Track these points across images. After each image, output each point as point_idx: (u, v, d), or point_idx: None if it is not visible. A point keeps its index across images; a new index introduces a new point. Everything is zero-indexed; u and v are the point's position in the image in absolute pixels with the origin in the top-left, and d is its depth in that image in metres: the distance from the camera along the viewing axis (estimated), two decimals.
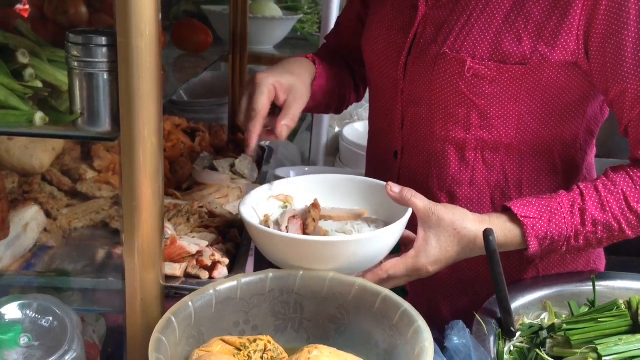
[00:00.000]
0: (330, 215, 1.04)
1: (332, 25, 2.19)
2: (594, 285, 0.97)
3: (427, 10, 1.10)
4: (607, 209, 0.98)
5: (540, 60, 1.01)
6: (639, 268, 1.13)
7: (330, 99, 1.29)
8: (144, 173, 0.80)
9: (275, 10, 2.19)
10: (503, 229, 0.99)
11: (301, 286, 0.93)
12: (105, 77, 0.80)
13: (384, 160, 1.23)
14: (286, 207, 1.08)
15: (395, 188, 0.97)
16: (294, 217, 1.02)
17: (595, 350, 0.78)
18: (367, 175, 1.30)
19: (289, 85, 1.09)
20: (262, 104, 1.05)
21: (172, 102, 1.78)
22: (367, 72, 1.27)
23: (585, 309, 0.95)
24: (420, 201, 0.96)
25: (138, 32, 0.75)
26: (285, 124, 1.06)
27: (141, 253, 0.84)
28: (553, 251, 1.01)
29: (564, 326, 0.85)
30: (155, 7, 0.76)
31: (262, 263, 1.15)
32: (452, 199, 1.14)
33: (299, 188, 1.09)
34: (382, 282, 0.95)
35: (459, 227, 0.96)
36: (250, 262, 1.36)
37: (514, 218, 0.99)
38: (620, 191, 0.99)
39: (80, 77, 0.79)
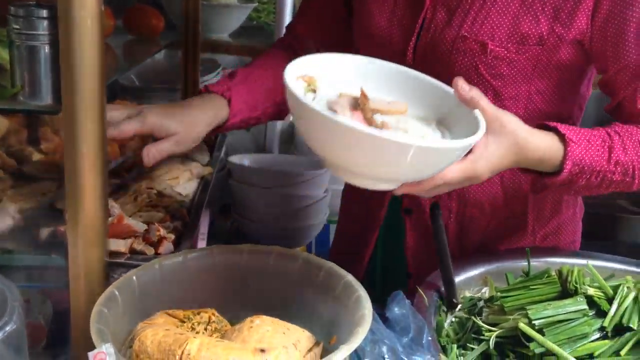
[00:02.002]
0: (377, 109, 0.84)
1: (287, 14, 2.20)
2: (528, 259, 1.01)
3: None
4: (629, 152, 1.01)
5: (557, 41, 1.04)
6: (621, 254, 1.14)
7: (262, 118, 1.26)
8: (87, 147, 0.80)
9: None
10: (549, 146, 0.98)
11: (247, 261, 0.94)
12: (47, 50, 0.80)
13: None
14: (314, 91, 0.87)
15: (465, 86, 0.89)
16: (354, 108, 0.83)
17: (526, 316, 0.81)
18: None
19: (167, 132, 1.08)
20: (123, 126, 1.04)
21: (124, 87, 1.77)
22: None
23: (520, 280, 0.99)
24: (487, 105, 0.90)
25: (79, 4, 0.75)
26: (153, 152, 1.06)
27: (84, 228, 0.84)
28: (573, 182, 1.01)
29: (498, 294, 0.88)
30: None
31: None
32: None
33: (323, 68, 0.88)
34: (435, 188, 0.87)
35: (519, 137, 0.94)
36: (202, 244, 1.37)
37: (560, 137, 0.99)
38: (637, 140, 1.02)
39: (21, 50, 0.79)
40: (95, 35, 0.76)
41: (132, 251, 0.96)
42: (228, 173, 1.81)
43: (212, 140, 1.56)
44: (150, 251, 0.96)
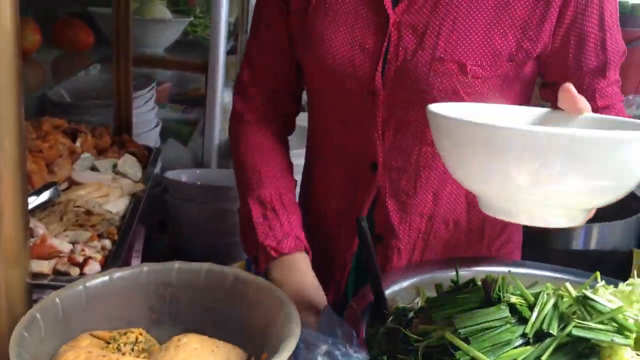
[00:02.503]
0: None
1: (222, 29, 2.18)
2: (456, 269, 1.03)
3: (398, 17, 1.06)
4: None
5: (525, 57, 1.05)
6: (554, 260, 1.16)
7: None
8: (4, 165, 0.78)
9: (163, 13, 2.17)
10: None
11: (177, 279, 0.93)
12: None
13: (355, 177, 1.17)
14: None
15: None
16: None
17: (452, 325, 0.83)
18: (316, 196, 1.25)
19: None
20: None
21: (54, 103, 1.73)
22: (314, 90, 1.20)
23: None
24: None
25: None
26: None
27: (4, 251, 0.81)
28: None
29: (426, 305, 0.90)
30: None
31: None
32: (437, 198, 1.15)
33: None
34: None
35: None
36: (136, 262, 1.34)
37: None
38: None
39: None
40: (11, 49, 0.74)
41: (56, 272, 0.93)
42: (164, 189, 1.79)
43: (146, 156, 1.54)
44: (75, 272, 0.94)
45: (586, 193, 0.67)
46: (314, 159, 1.28)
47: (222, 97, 2.02)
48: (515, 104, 1.11)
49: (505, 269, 1.04)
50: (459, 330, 0.81)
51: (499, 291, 0.87)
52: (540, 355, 0.80)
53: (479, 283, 0.92)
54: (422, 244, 1.19)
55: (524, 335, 0.83)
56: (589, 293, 0.85)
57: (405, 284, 1.10)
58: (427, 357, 0.85)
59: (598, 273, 0.95)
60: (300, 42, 1.15)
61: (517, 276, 0.93)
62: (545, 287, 0.90)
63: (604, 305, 0.83)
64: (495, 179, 0.68)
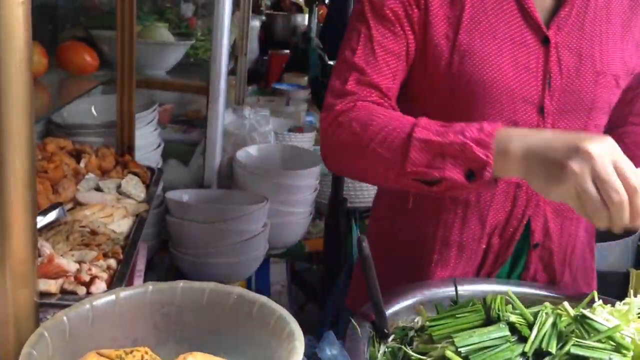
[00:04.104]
0: None
1: (224, 51, 2.22)
2: (455, 289, 1.05)
3: (555, 37, 1.13)
4: None
5: (634, 69, 1.20)
6: None
7: None
8: (14, 186, 0.80)
9: (166, 36, 2.20)
10: None
11: (182, 298, 0.94)
12: None
13: (511, 193, 1.16)
14: None
15: None
16: None
17: (453, 343, 0.84)
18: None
19: None
20: None
21: (58, 125, 1.75)
22: (457, 108, 1.13)
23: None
24: None
25: (6, 47, 0.75)
26: None
27: (13, 270, 0.83)
28: None
29: (427, 324, 0.91)
30: (25, 20, 0.76)
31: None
32: None
33: None
34: None
35: None
36: (139, 282, 1.36)
37: None
38: None
39: None
40: (24, 75, 0.76)
41: (63, 291, 0.94)
42: (166, 209, 1.80)
43: (148, 177, 1.56)
44: (82, 291, 0.95)
45: None
46: None
47: (223, 117, 2.05)
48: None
49: (504, 288, 1.05)
50: (459, 349, 0.83)
51: (499, 310, 0.89)
52: None
53: (478, 303, 0.94)
54: (571, 248, 1.24)
55: (523, 354, 0.84)
56: (587, 312, 0.87)
57: (405, 303, 1.11)
58: None
59: (595, 292, 0.96)
60: (449, 65, 1.11)
61: (515, 295, 0.95)
62: (544, 307, 0.91)
63: (601, 324, 0.84)
64: None
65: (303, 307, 2.46)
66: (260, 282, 1.91)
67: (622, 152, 0.85)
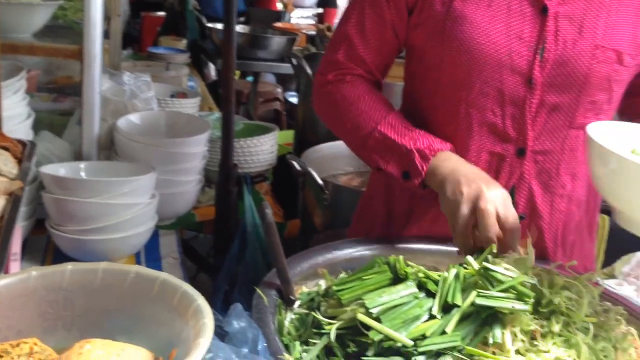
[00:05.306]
0: None
1: (98, 12, 2.06)
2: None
3: (554, 7, 1.11)
4: None
5: None
6: None
7: None
8: None
9: None
10: None
11: (70, 282, 0.86)
12: None
13: (494, 164, 1.18)
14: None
15: None
16: None
17: (363, 305, 0.83)
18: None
19: None
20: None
21: None
22: (447, 83, 1.18)
23: None
24: None
25: None
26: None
27: None
28: None
29: (334, 288, 0.90)
30: None
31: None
32: (575, 179, 1.20)
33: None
34: None
35: None
36: (15, 266, 1.24)
37: None
38: None
39: None
40: None
41: None
42: (40, 185, 1.66)
43: (20, 151, 1.43)
44: None
45: None
46: None
47: (100, 84, 1.91)
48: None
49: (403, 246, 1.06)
50: (370, 310, 0.82)
51: (404, 270, 0.89)
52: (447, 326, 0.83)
53: (381, 263, 0.93)
54: (562, 225, 1.23)
55: (431, 309, 0.85)
56: (489, 265, 0.89)
57: (307, 267, 1.10)
58: (339, 339, 0.85)
59: (494, 245, 0.99)
60: (441, 32, 1.14)
61: (420, 252, 0.96)
62: (450, 266, 0.92)
63: (504, 274, 0.87)
64: None
65: (195, 277, 2.40)
66: (149, 256, 1.83)
67: (511, 205, 1.03)
